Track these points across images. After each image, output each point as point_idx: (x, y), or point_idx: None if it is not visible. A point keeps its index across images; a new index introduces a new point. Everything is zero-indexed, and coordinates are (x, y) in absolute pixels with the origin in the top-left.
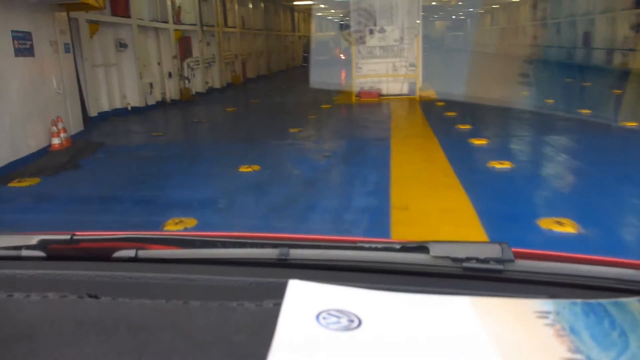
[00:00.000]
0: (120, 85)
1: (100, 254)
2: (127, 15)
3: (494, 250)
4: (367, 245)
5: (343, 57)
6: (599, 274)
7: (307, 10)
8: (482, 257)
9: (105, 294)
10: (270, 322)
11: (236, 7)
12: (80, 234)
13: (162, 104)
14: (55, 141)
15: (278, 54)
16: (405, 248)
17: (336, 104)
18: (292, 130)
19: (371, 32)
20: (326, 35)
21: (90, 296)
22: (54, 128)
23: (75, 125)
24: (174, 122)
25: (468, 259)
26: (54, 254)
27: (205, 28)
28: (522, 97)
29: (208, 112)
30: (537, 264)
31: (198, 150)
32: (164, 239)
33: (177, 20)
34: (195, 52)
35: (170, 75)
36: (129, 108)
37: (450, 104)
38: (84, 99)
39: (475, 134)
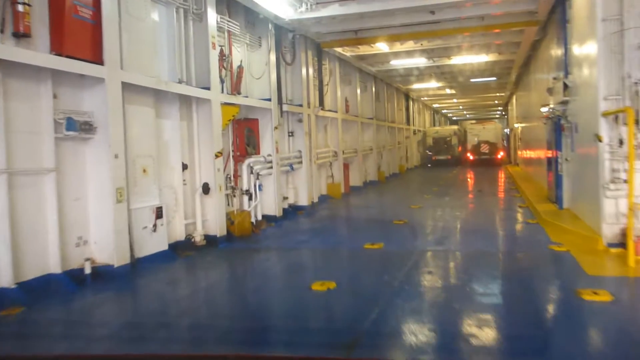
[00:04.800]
0: (65, 216)
1: None
2: (97, 59)
3: None
4: None
5: (472, 158)
6: None
7: (425, 98)
8: None
9: None
10: None
11: (338, 83)
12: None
13: (183, 248)
14: None
15: (390, 152)
16: None
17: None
18: None
19: None
20: (446, 129)
21: None
22: None
23: None
24: None
25: None
26: None
27: (287, 107)
28: None
29: (259, 291)
30: None
31: None
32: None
33: (234, 89)
34: (266, 147)
35: (206, 189)
36: (87, 270)
37: None
38: None
39: None
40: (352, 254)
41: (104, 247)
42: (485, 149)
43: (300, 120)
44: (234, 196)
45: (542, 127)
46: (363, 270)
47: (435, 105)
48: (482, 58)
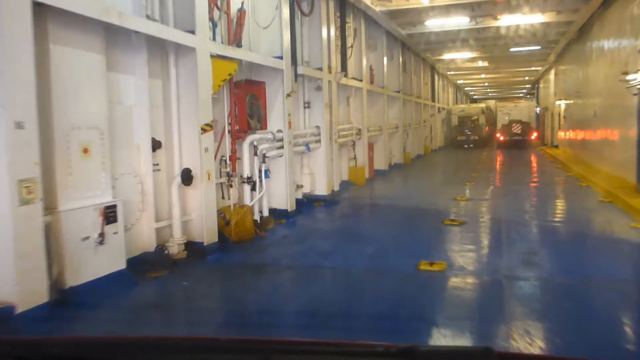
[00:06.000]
0: None
1: None
2: None
3: (478, 355)
4: (349, 350)
5: (502, 139)
6: None
7: (451, 72)
8: None
9: None
10: None
11: (364, 47)
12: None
13: (152, 264)
14: None
15: (415, 131)
16: (388, 353)
17: None
18: None
19: None
20: (473, 107)
21: None
22: None
23: None
24: None
25: None
26: None
27: (303, 70)
28: None
29: None
30: None
31: None
32: (143, 343)
33: (233, 39)
34: (276, 120)
35: (187, 177)
36: None
37: None
38: None
39: None
40: (404, 282)
41: (3, 279)
42: (517, 129)
43: (319, 88)
44: (231, 186)
45: (619, 102)
46: (434, 324)
47: (459, 82)
48: (536, 18)
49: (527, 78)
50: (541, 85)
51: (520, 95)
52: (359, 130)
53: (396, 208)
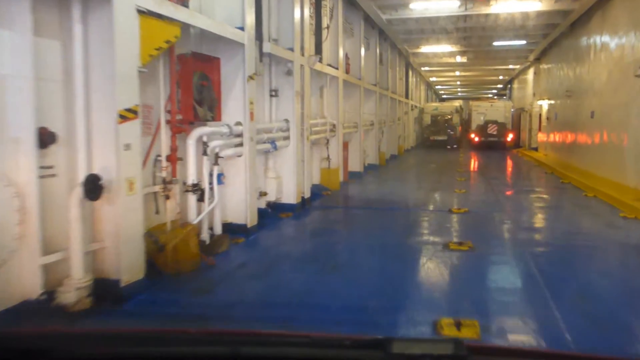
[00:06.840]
0: None
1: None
2: None
3: (448, 346)
4: (320, 342)
5: (477, 140)
6: None
7: (425, 68)
8: (436, 354)
9: None
10: None
11: (341, 31)
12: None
13: (37, 319)
14: None
15: (390, 129)
16: (359, 345)
17: None
18: None
19: None
20: (447, 106)
21: None
22: None
23: None
24: None
25: (423, 357)
26: None
27: (270, 48)
28: None
29: None
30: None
31: None
32: (112, 336)
33: None
34: (233, 110)
35: (93, 188)
36: None
37: None
38: None
39: None
40: None
41: None
42: (493, 130)
43: (289, 73)
44: (168, 197)
45: (629, 101)
46: None
47: (432, 79)
48: (532, 6)
49: (501, 77)
50: (515, 85)
51: (490, 95)
52: (334, 126)
53: (383, 222)
